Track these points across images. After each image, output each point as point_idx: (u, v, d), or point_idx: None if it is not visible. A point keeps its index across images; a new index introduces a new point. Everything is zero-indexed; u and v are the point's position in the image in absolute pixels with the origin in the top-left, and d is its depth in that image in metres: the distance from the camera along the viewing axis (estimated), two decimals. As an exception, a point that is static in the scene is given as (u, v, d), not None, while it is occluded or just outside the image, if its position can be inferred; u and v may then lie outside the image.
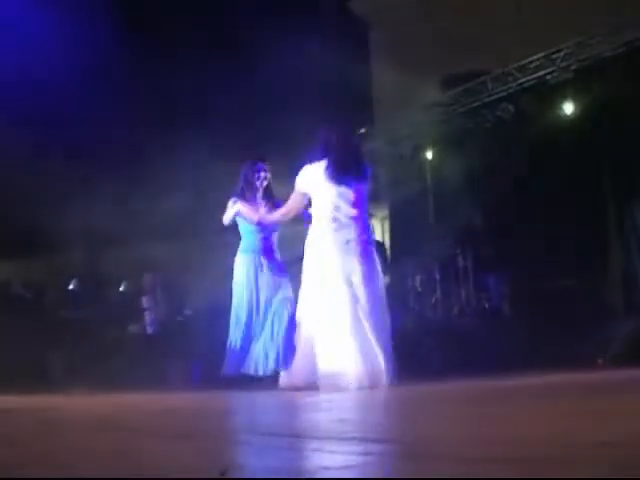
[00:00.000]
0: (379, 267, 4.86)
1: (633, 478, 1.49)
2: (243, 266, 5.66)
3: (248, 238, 5.72)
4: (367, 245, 4.81)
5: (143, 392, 5.81)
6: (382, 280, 4.85)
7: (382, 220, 11.88)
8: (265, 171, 5.72)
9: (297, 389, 4.83)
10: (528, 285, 8.23)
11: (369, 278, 4.70)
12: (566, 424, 2.43)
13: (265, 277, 5.60)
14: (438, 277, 9.27)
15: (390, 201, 11.45)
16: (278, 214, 5.27)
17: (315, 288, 4.74)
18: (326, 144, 4.82)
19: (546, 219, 8.56)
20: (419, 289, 9.46)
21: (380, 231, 11.86)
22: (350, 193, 4.74)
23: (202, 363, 6.80)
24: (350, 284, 4.62)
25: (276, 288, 5.59)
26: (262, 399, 4.77)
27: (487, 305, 8.78)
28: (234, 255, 5.83)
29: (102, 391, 5.86)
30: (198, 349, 6.99)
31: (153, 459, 2.10)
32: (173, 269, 10.08)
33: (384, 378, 4.54)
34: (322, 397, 4.46)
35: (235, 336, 5.55)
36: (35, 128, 11.00)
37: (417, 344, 7.47)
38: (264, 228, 5.62)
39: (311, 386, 4.70)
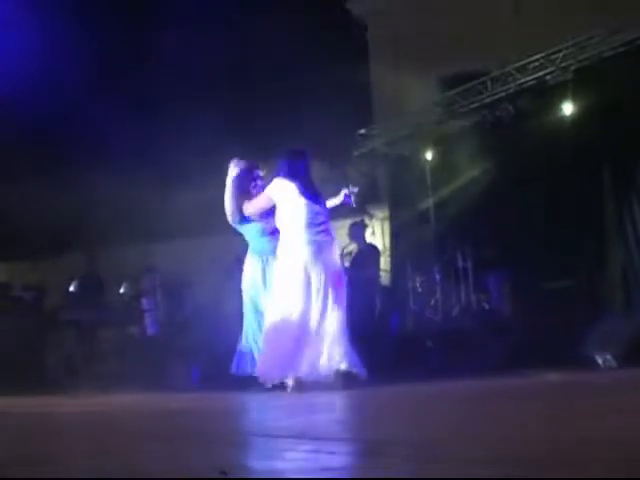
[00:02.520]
0: (344, 271, 5.54)
1: (633, 478, 1.49)
2: (251, 268, 5.59)
3: (255, 240, 5.64)
4: (333, 250, 5.34)
5: (143, 393, 5.82)
6: (345, 284, 5.32)
7: (382, 220, 11.86)
8: (261, 179, 5.63)
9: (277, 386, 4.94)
10: (528, 285, 8.21)
11: (335, 280, 5.16)
12: (566, 424, 2.43)
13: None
14: (438, 278, 9.24)
15: (390, 201, 11.44)
16: (247, 210, 5.54)
17: (285, 289, 5.09)
18: (294, 168, 5.32)
19: (546, 219, 8.55)
20: (419, 290, 9.43)
21: (380, 232, 11.85)
22: (318, 207, 5.29)
23: (202, 364, 6.79)
24: (316, 284, 5.05)
25: None
26: (261, 400, 4.77)
27: (487, 306, 8.75)
28: (234, 256, 5.81)
29: (102, 392, 5.87)
30: (198, 350, 6.99)
31: (153, 460, 2.10)
32: (173, 270, 10.07)
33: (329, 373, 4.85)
34: (321, 398, 4.46)
35: (247, 337, 5.48)
36: (35, 129, 11.01)
37: (417, 344, 7.47)
38: (271, 230, 5.52)
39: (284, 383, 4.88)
